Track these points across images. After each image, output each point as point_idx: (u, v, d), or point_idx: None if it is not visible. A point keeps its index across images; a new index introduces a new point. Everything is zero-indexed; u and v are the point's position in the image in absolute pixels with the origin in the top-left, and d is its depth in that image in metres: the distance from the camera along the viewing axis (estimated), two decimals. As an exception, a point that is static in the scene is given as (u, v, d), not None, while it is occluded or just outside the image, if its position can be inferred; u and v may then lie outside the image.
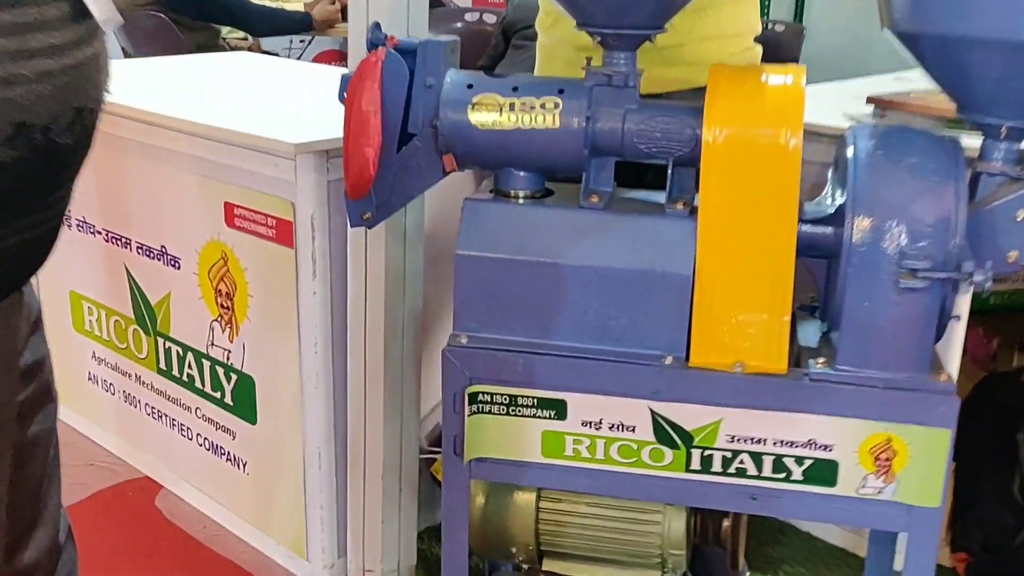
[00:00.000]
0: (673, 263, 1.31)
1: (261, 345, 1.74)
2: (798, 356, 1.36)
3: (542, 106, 1.34)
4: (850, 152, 1.29)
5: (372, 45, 1.39)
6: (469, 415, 1.36)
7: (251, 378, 1.78)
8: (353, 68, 1.38)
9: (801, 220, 1.30)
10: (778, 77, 1.33)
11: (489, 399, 1.36)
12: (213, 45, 3.61)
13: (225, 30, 3.86)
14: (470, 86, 1.36)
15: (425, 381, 1.68)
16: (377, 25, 1.42)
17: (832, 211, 1.32)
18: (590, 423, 1.34)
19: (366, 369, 1.62)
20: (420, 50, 1.37)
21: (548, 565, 1.55)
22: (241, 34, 4.15)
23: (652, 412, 1.32)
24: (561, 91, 1.34)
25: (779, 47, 4.03)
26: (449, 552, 1.43)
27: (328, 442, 1.71)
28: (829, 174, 1.45)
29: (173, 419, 2.02)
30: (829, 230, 1.31)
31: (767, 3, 4.62)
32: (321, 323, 1.62)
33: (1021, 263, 1.27)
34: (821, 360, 1.28)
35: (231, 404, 1.85)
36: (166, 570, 1.86)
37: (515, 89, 1.35)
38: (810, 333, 1.43)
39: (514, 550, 1.55)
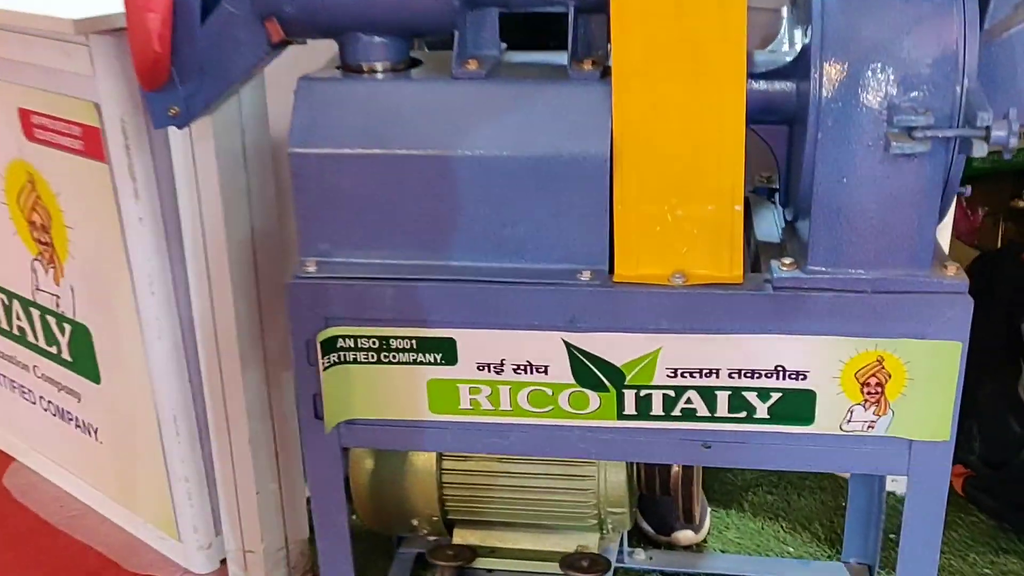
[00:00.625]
0: (582, 143, 0.96)
1: (91, 287, 1.39)
2: (755, 257, 1.04)
3: (391, -60, 0.97)
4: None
5: None
6: (327, 367, 1.02)
7: (86, 327, 1.43)
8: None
9: (750, 75, 0.96)
10: None
11: (352, 344, 1.02)
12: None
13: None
14: (290, -80, 0.99)
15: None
16: None
17: (791, 60, 0.98)
18: (488, 366, 1.02)
19: (214, 312, 1.28)
20: None
21: (460, 536, 1.24)
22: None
23: (568, 346, 0.99)
24: (416, -83, 0.98)
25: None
26: (326, 542, 1.12)
27: (184, 404, 1.38)
28: (784, 14, 1.10)
29: (12, 380, 1.67)
30: (789, 86, 0.98)
31: None
32: (154, 256, 1.27)
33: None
34: (787, 261, 0.96)
35: (70, 360, 1.50)
36: (12, 566, 1.54)
37: (353, -82, 0.98)
38: (768, 224, 1.11)
39: (416, 522, 1.24)
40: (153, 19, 0.95)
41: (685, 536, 1.45)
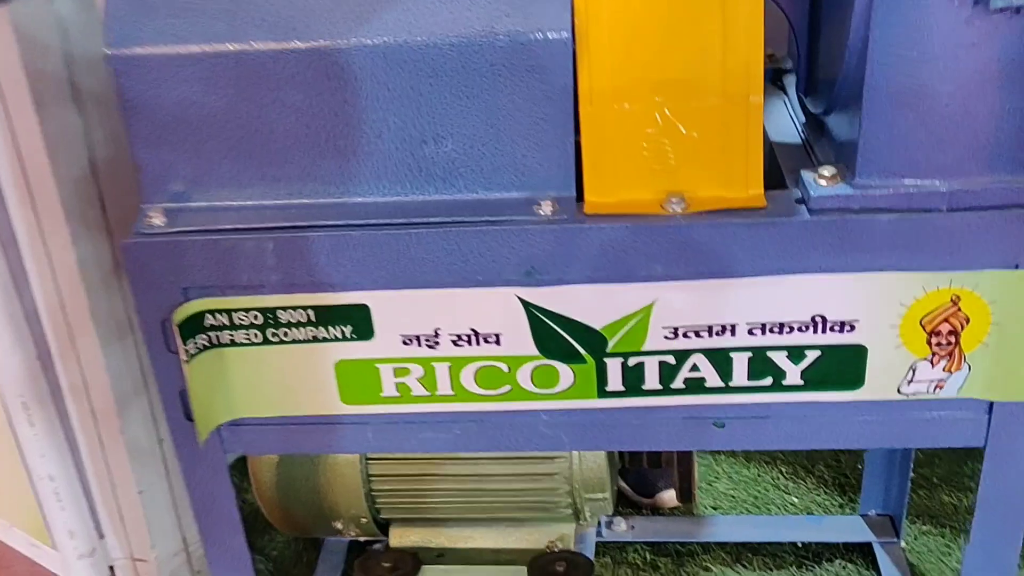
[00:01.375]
0: (531, 18, 0.67)
1: None
2: (772, 168, 0.76)
3: None
4: None
5: None
6: (193, 355, 0.74)
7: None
8: None
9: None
10: None
11: (226, 322, 0.73)
12: None
13: None
14: None
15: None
16: None
17: None
18: (418, 339, 0.74)
19: (54, 272, 0.97)
20: None
21: (398, 536, 0.98)
22: None
23: (527, 306, 0.72)
24: None
25: None
26: (219, 569, 0.85)
27: (35, 387, 1.09)
28: None
29: None
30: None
31: None
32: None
33: None
34: (827, 173, 0.68)
35: None
36: None
37: None
38: (783, 121, 0.83)
39: (340, 525, 0.97)
40: None
41: (671, 497, 1.21)
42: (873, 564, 1.15)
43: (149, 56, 0.68)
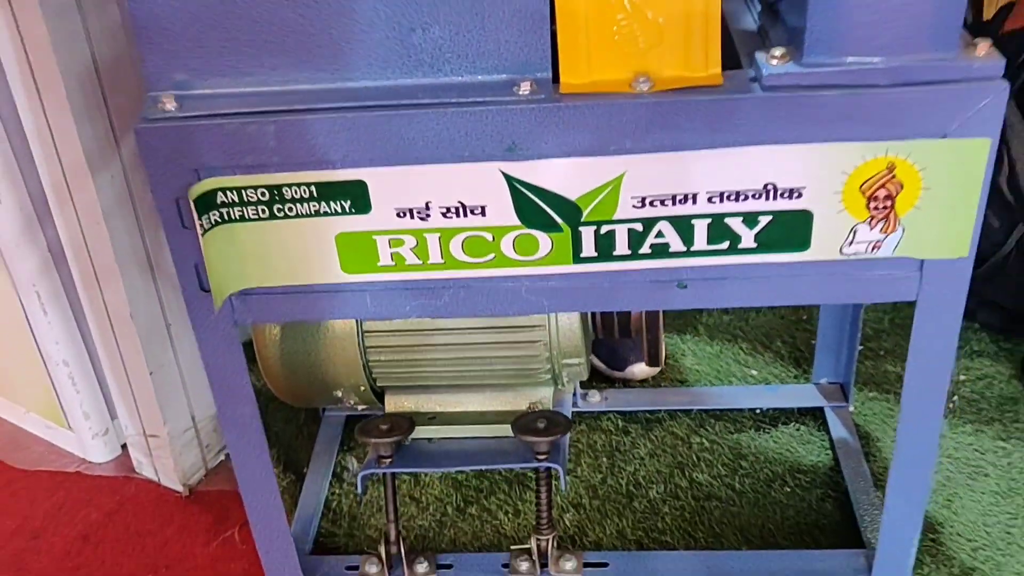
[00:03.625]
0: (510, -88, 0.73)
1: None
2: (729, 50, 0.83)
3: None
4: None
5: None
6: (207, 230, 0.81)
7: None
8: None
9: None
10: None
11: (236, 198, 0.81)
12: None
13: None
14: None
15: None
16: None
17: None
18: (411, 211, 0.81)
19: (60, 160, 1.02)
20: None
21: (393, 403, 1.08)
22: None
23: (509, 179, 0.79)
24: None
25: None
26: (233, 436, 0.93)
27: (47, 275, 1.15)
28: None
29: None
30: None
31: None
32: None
33: None
34: (778, 53, 0.76)
35: None
36: None
37: None
38: (741, 11, 0.90)
39: (339, 394, 1.06)
40: None
41: (640, 370, 1.31)
42: (824, 427, 1.26)
43: (157, -50, 0.74)
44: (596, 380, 1.34)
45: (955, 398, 1.30)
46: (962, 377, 1.33)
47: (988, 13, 1.37)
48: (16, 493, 1.28)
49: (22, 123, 1.02)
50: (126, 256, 1.09)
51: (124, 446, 1.29)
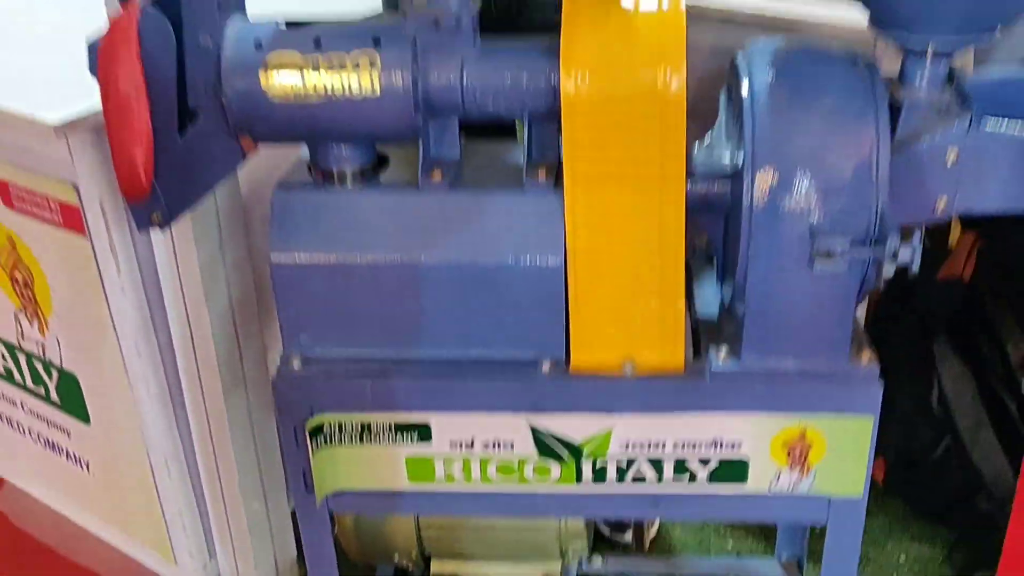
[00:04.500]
0: (539, 250, 1.07)
1: (77, 341, 1.47)
2: (696, 337, 1.16)
3: (355, 64, 1.04)
4: (745, 88, 1.04)
5: (124, -5, 1.06)
6: (315, 451, 1.14)
7: (74, 375, 1.52)
8: (102, 31, 1.04)
9: (690, 175, 1.06)
10: (651, 1, 1.05)
11: (338, 429, 1.14)
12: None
13: None
14: (259, 44, 1.05)
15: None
16: (128, -33, 1.08)
17: (727, 163, 1.08)
18: (460, 443, 1.14)
19: (199, 372, 1.37)
20: (184, 4, 1.04)
21: (437, 567, 1.38)
22: None
23: (532, 427, 1.12)
24: (377, 41, 1.04)
25: None
26: (317, 588, 1.25)
27: (175, 451, 1.48)
28: (721, 100, 1.19)
29: (0, 412, 1.76)
30: (724, 185, 1.08)
31: None
32: (139, 323, 1.34)
33: (950, 212, 1.06)
34: (723, 353, 1.08)
35: (58, 402, 1.59)
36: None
37: (318, 43, 1.05)
38: (710, 295, 1.23)
39: (397, 556, 1.37)
40: (139, 153, 1.01)
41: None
42: (783, 595, 1.55)
43: (298, 262, 1.08)
44: (598, 542, 1.63)
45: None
46: (902, 559, 1.60)
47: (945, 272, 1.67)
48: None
49: (172, 343, 1.37)
50: (239, 435, 1.42)
51: (218, 578, 1.61)
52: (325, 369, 1.11)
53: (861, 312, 1.57)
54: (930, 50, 1.01)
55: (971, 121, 1.01)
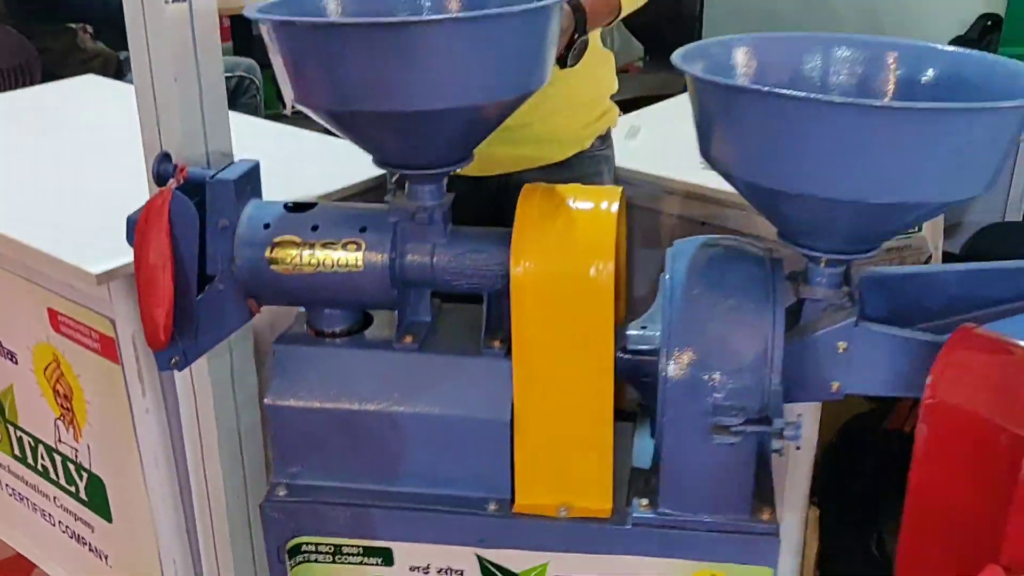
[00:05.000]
0: (490, 408, 1.26)
1: (106, 449, 1.68)
2: (629, 484, 1.33)
3: (344, 246, 1.26)
4: (667, 281, 1.23)
5: (160, 179, 1.30)
6: (293, 566, 1.32)
7: (100, 479, 1.72)
8: (141, 209, 1.27)
9: (627, 350, 1.26)
10: (591, 203, 1.26)
11: (313, 549, 1.32)
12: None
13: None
14: (267, 225, 1.28)
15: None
16: (166, 156, 1.31)
17: (656, 341, 1.27)
18: (417, 568, 1.31)
19: (207, 486, 1.57)
20: (208, 190, 1.27)
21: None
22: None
23: (479, 557, 1.29)
24: (363, 229, 1.26)
25: (680, 5, 3.89)
26: None
27: (183, 552, 1.67)
28: (660, 284, 1.39)
29: (35, 504, 1.97)
30: (654, 360, 1.26)
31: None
32: (159, 439, 1.55)
33: (843, 393, 1.24)
34: (645, 502, 1.25)
35: (86, 500, 1.79)
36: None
37: (315, 228, 1.27)
38: (645, 446, 1.40)
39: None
40: (160, 314, 1.23)
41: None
42: None
43: (291, 406, 1.28)
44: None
45: None
46: None
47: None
48: None
49: (186, 458, 1.57)
50: (239, 556, 1.60)
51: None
52: (307, 497, 1.30)
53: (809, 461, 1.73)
54: (824, 259, 1.20)
55: (857, 319, 1.20)
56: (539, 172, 1.63)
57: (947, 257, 2.40)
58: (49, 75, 3.07)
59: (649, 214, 1.85)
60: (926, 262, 2.35)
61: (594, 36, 1.61)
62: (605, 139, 1.71)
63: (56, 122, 2.27)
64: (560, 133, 1.64)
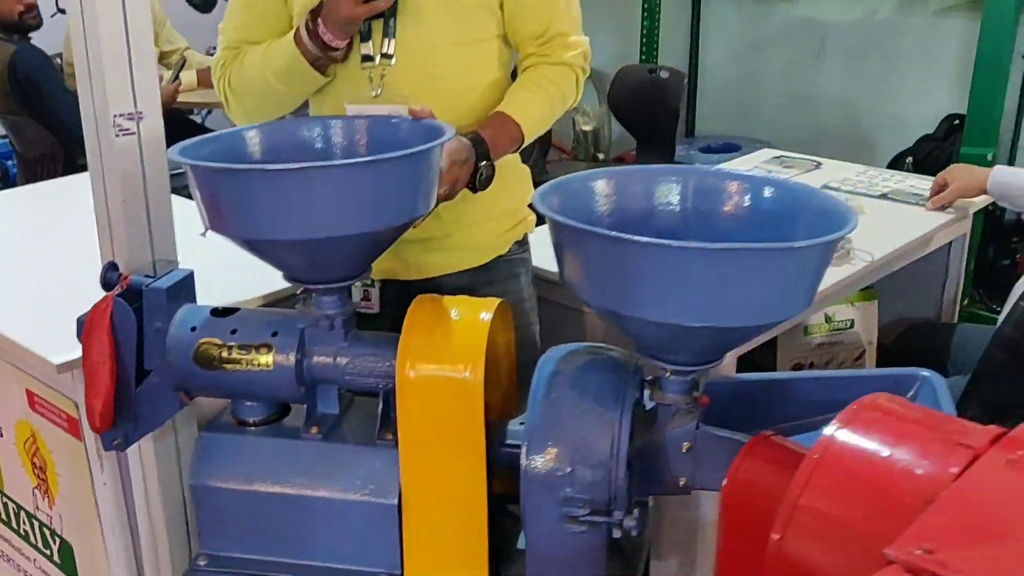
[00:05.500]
0: (382, 493, 1.43)
1: (74, 517, 1.86)
2: (512, 562, 1.48)
3: (257, 349, 1.45)
4: (534, 383, 1.40)
5: (106, 286, 1.50)
6: (212, 632, 1.49)
7: (70, 544, 1.91)
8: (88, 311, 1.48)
9: (506, 444, 1.42)
10: (469, 313, 1.44)
11: (230, 615, 1.49)
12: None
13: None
14: (193, 328, 1.47)
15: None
16: (112, 265, 1.52)
17: (530, 434, 1.43)
18: (321, 636, 1.48)
19: (156, 552, 1.75)
20: (145, 297, 1.47)
21: None
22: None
23: (371, 626, 1.45)
24: (275, 334, 1.45)
25: (663, 92, 4.10)
26: None
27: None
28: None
29: (18, 564, 2.16)
30: (525, 454, 1.42)
31: (656, 47, 4.65)
32: (115, 511, 1.74)
33: (690, 488, 1.38)
34: None
35: (59, 563, 1.97)
36: None
37: (234, 332, 1.46)
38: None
39: None
40: (97, 404, 1.43)
41: None
42: None
43: (212, 487, 1.46)
44: None
45: None
46: None
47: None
48: None
49: (139, 527, 1.76)
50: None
51: None
52: (225, 568, 1.48)
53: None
54: (670, 371, 1.35)
55: (698, 423, 1.35)
56: (461, 276, 1.81)
57: (882, 350, 2.53)
58: (71, 163, 3.36)
59: (572, 312, 2.02)
60: (859, 357, 2.50)
61: (514, 156, 1.80)
62: (522, 244, 1.89)
63: (53, 217, 2.51)
64: (480, 241, 1.82)
